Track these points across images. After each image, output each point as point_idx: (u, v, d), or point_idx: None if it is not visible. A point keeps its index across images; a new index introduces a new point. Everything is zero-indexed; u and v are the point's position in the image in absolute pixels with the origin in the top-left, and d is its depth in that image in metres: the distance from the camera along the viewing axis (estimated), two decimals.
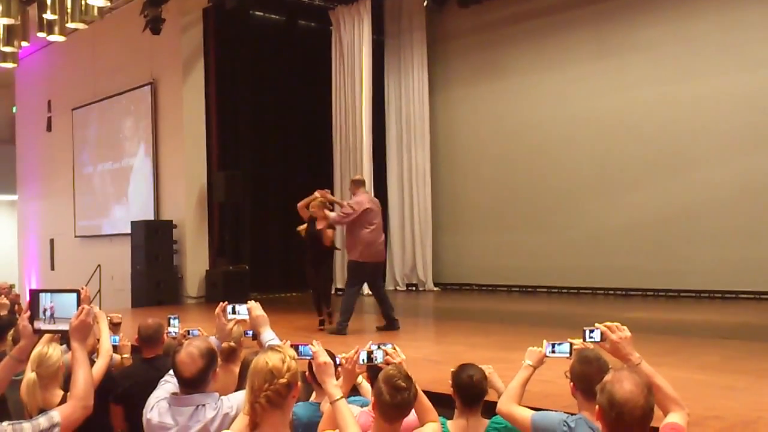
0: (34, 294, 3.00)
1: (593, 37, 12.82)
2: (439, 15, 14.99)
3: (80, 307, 2.88)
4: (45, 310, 2.95)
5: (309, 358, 3.32)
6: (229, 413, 3.03)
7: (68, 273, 16.05)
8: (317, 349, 3.21)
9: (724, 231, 11.23)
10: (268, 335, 3.44)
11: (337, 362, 3.50)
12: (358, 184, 8.82)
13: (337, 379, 3.21)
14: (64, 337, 2.96)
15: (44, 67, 17.42)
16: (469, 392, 3.47)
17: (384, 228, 14.47)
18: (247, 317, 3.59)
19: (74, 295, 2.95)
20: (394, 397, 2.91)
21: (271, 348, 2.73)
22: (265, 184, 14.39)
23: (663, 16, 11.96)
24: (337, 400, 2.94)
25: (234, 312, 3.62)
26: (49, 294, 2.98)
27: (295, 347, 3.28)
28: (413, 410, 3.10)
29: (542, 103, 13.39)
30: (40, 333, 3.03)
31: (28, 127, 18.32)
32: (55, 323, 2.95)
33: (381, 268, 9.00)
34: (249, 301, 3.57)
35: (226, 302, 3.66)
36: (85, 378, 2.75)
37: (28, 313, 2.97)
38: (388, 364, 3.24)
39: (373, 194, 13.44)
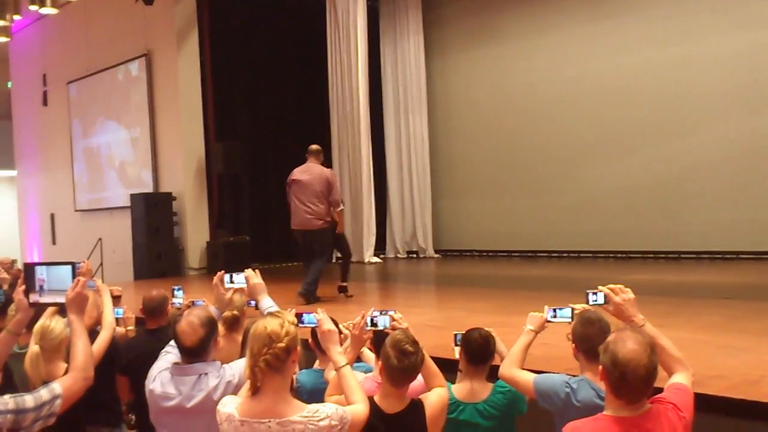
0: (29, 267, 2.99)
1: None
2: None
3: (75, 279, 2.86)
4: (40, 284, 2.94)
5: (313, 325, 3.33)
6: (232, 381, 3.05)
7: (70, 247, 16.06)
8: (321, 316, 3.22)
9: (723, 192, 11.20)
10: (267, 303, 3.45)
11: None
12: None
13: (340, 346, 3.21)
14: (62, 310, 2.94)
15: (38, 40, 17.25)
16: (478, 349, 3.48)
17: (383, 195, 14.62)
18: (244, 285, 3.59)
19: (69, 267, 2.94)
20: (402, 362, 2.91)
21: (270, 314, 2.73)
22: (262, 154, 14.32)
23: None
24: (342, 366, 2.95)
25: (232, 281, 3.62)
26: (44, 267, 2.97)
27: (299, 315, 3.29)
28: (420, 375, 3.11)
29: (539, 66, 13.28)
30: (36, 306, 3.02)
31: (24, 101, 18.20)
32: (46, 295, 2.94)
33: (309, 237, 8.85)
34: (246, 269, 3.57)
35: (224, 271, 3.66)
36: (84, 349, 2.75)
37: (23, 286, 2.96)
38: (394, 329, 3.25)
39: (371, 162, 13.48)
